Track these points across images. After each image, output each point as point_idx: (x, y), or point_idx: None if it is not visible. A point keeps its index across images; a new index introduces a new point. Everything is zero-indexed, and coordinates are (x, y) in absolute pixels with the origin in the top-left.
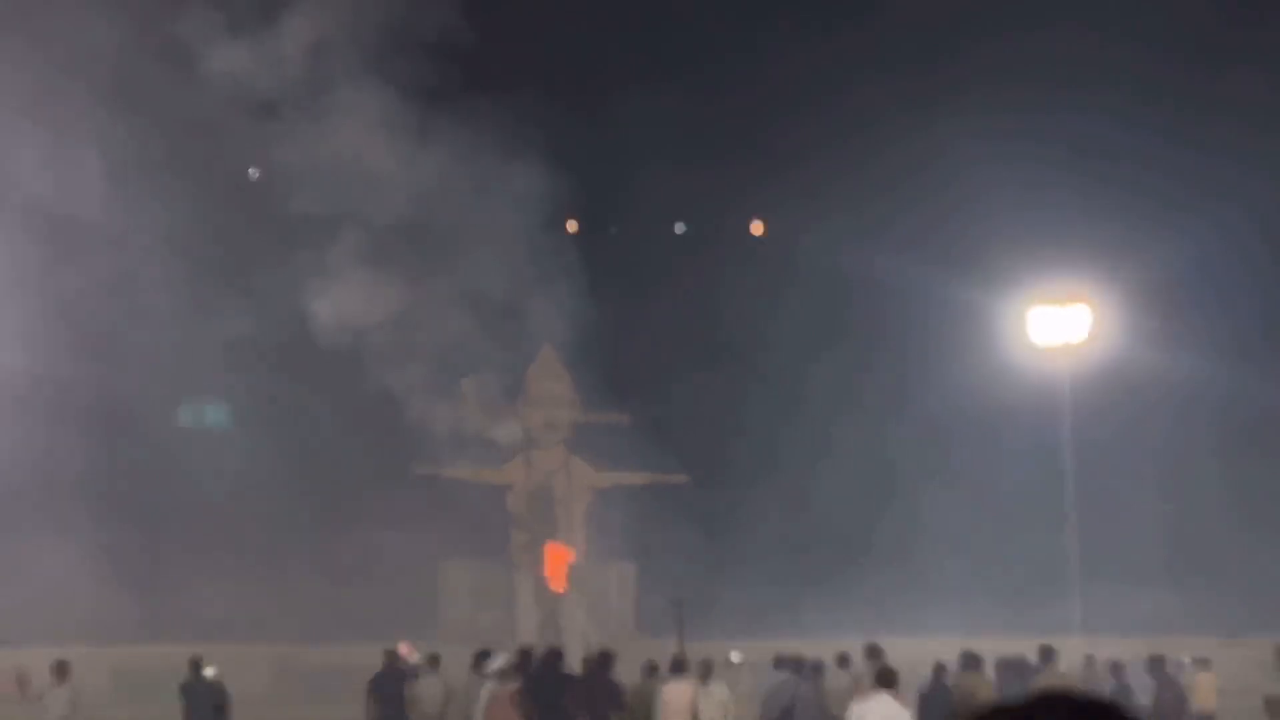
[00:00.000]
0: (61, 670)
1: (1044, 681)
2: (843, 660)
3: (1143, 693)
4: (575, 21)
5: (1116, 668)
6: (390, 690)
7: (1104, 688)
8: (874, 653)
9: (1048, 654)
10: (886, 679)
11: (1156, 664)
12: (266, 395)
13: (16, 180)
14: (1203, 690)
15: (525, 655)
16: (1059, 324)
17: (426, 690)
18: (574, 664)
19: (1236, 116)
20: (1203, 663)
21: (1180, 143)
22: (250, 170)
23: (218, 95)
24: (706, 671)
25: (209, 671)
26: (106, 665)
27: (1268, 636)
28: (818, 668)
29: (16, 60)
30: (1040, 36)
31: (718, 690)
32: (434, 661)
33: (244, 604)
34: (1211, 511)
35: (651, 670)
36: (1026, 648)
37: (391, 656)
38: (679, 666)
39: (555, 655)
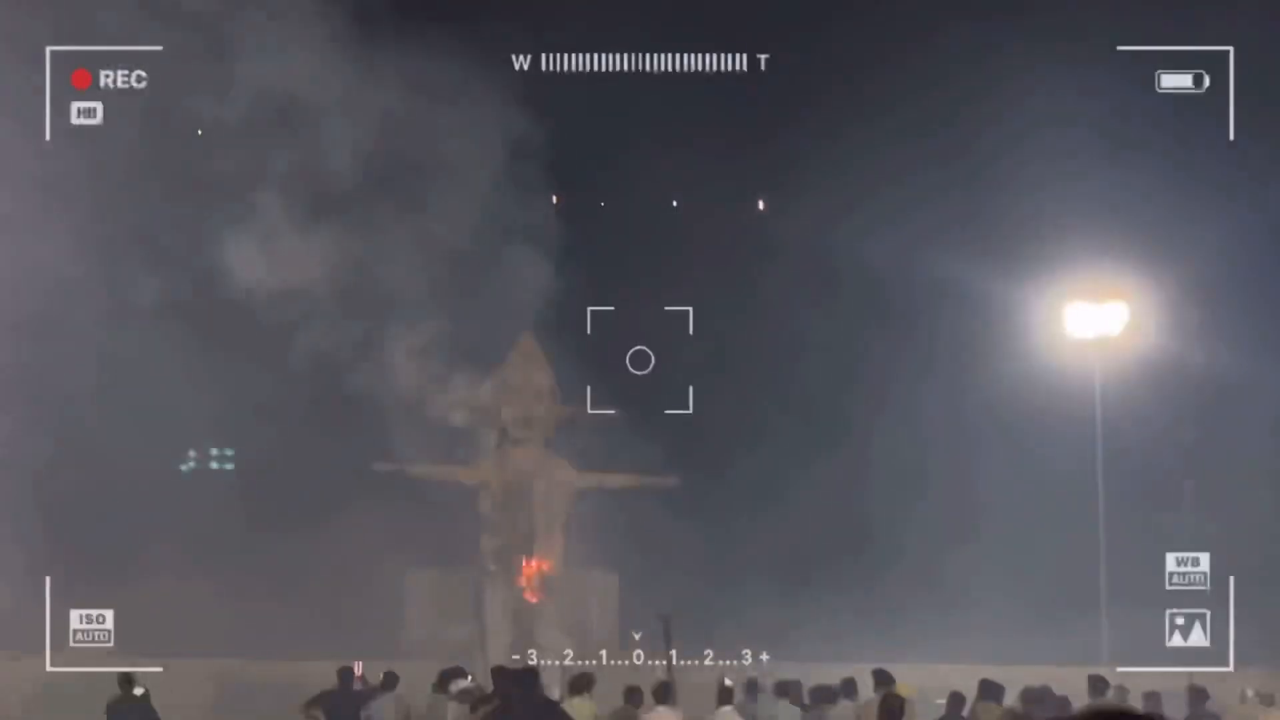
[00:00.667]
0: None
1: None
2: (848, 688)
3: None
4: None
5: (1151, 698)
6: (344, 713)
7: None
8: (882, 679)
9: (1098, 686)
10: (893, 710)
11: (1198, 696)
12: (200, 378)
13: None
14: None
15: (498, 675)
16: (1095, 319)
17: (380, 712)
18: (552, 685)
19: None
20: (1267, 698)
21: (1222, 132)
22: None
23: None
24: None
25: (138, 690)
26: (29, 678)
27: None
28: (824, 695)
29: None
30: (1074, 18)
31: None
32: (390, 680)
33: (181, 615)
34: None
35: (632, 695)
36: (1049, 676)
37: (345, 674)
38: (665, 692)
39: (531, 675)
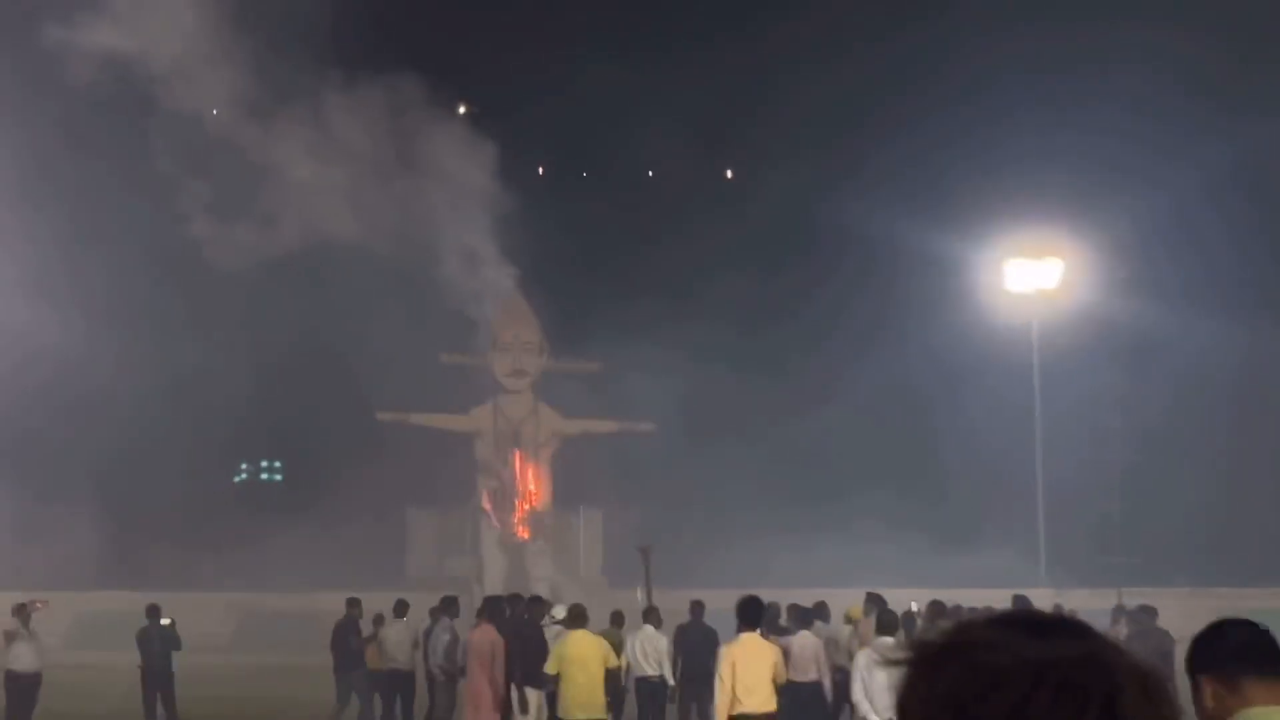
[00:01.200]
0: (23, 612)
1: None
2: (820, 610)
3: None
4: None
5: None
6: (348, 639)
7: None
8: (875, 601)
9: (1021, 604)
10: (888, 625)
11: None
12: (219, 334)
13: None
14: None
15: (491, 603)
16: (1032, 274)
17: (394, 635)
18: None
19: (1210, 68)
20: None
21: (1152, 95)
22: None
23: None
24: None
25: (165, 620)
26: (69, 611)
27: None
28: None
29: None
30: None
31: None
32: (402, 608)
33: (205, 551)
34: (1178, 464)
35: (617, 617)
36: (993, 599)
37: (354, 605)
38: (648, 615)
39: (537, 603)
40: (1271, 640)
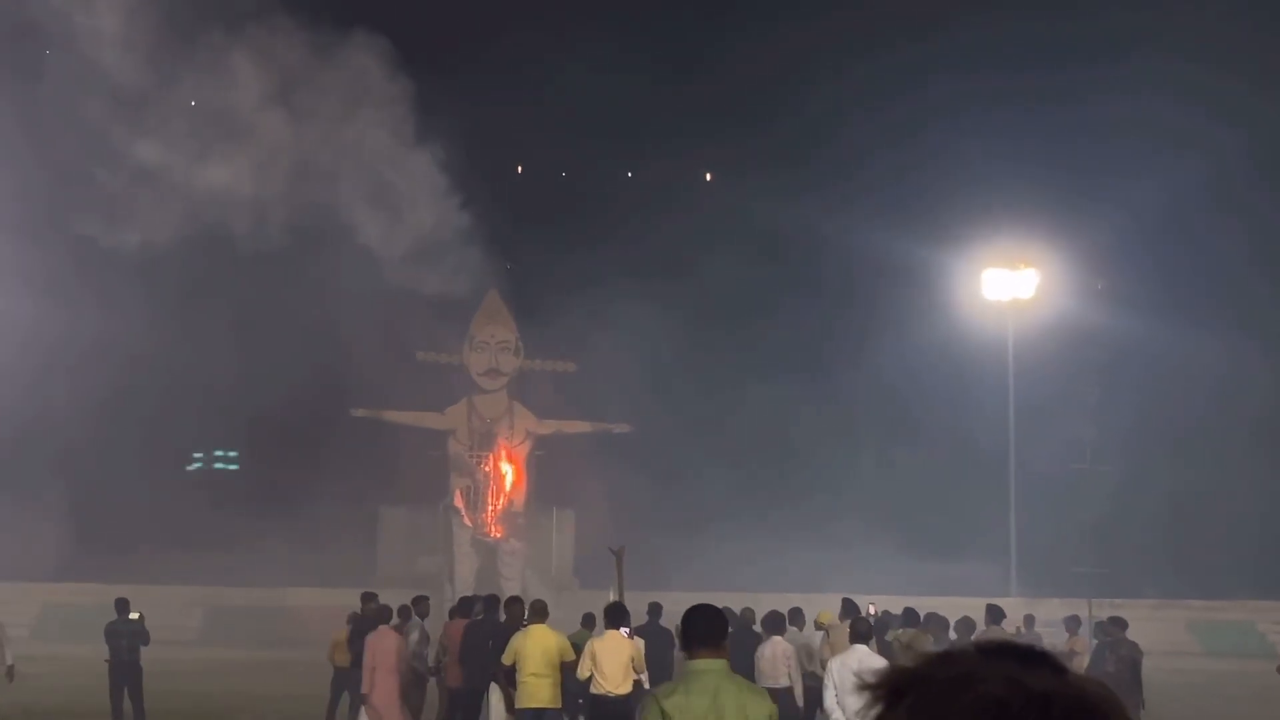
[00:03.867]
0: None
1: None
2: (795, 616)
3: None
4: None
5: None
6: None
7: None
8: (850, 607)
9: (995, 614)
10: (862, 632)
11: (1117, 623)
12: (194, 332)
13: None
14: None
15: (465, 603)
16: (1009, 284)
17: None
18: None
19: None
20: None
21: (1128, 106)
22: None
23: None
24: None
25: (134, 615)
26: (35, 602)
27: (1200, 598)
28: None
29: None
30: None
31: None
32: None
33: (175, 546)
34: (1149, 475)
35: (588, 619)
36: (965, 607)
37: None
38: (622, 616)
39: (493, 602)
40: (715, 622)
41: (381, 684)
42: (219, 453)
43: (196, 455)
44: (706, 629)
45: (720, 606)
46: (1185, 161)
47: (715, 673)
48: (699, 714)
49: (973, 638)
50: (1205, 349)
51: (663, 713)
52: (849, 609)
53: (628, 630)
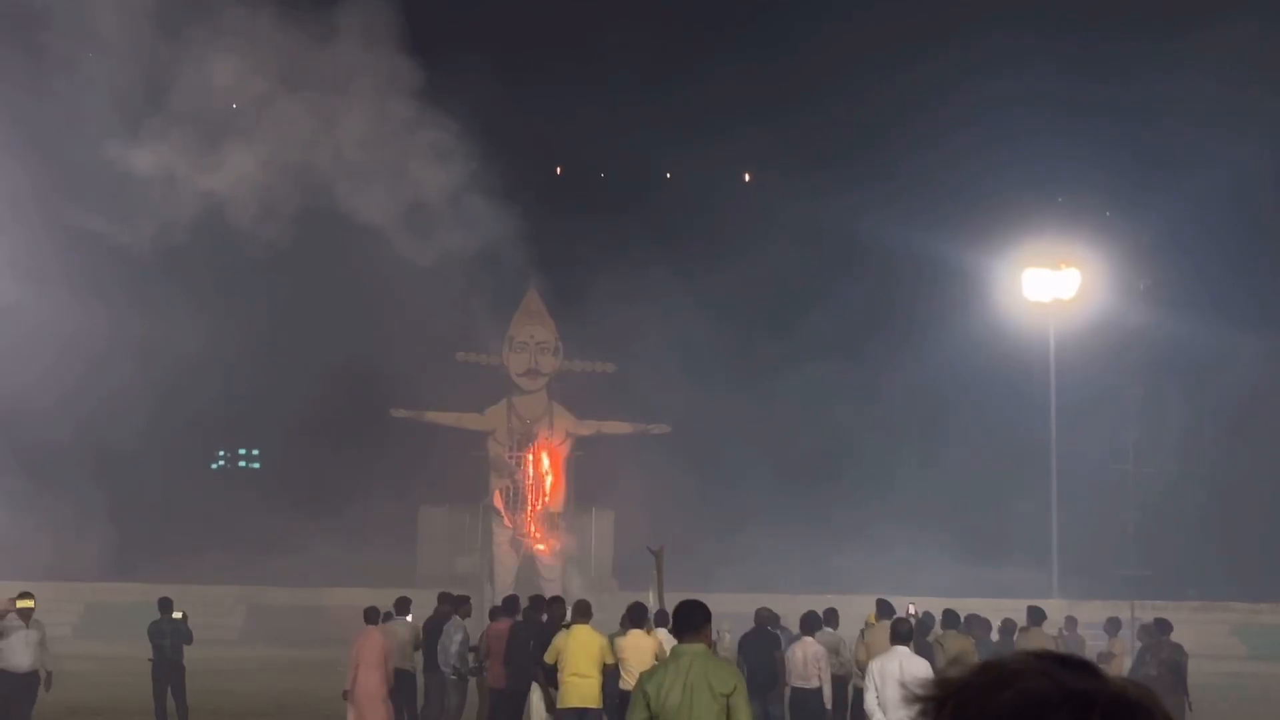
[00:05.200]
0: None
1: (1029, 641)
2: (830, 617)
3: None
4: None
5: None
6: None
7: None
8: (885, 608)
9: (1036, 615)
10: (903, 634)
11: (1162, 626)
12: (237, 334)
13: None
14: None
15: (509, 603)
16: (1051, 284)
17: (398, 634)
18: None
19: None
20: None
21: (1171, 104)
22: None
23: None
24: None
25: (177, 614)
26: (79, 601)
27: (1245, 601)
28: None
29: None
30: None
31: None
32: (404, 606)
33: (217, 545)
34: (1192, 477)
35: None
36: (1006, 609)
37: (446, 600)
38: (661, 617)
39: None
40: (695, 613)
41: (364, 680)
42: (242, 450)
43: (221, 454)
44: (688, 618)
45: (764, 609)
46: (1234, 156)
47: (692, 654)
48: (672, 689)
49: (1014, 639)
50: (1249, 349)
51: (645, 695)
52: (884, 610)
53: (666, 629)
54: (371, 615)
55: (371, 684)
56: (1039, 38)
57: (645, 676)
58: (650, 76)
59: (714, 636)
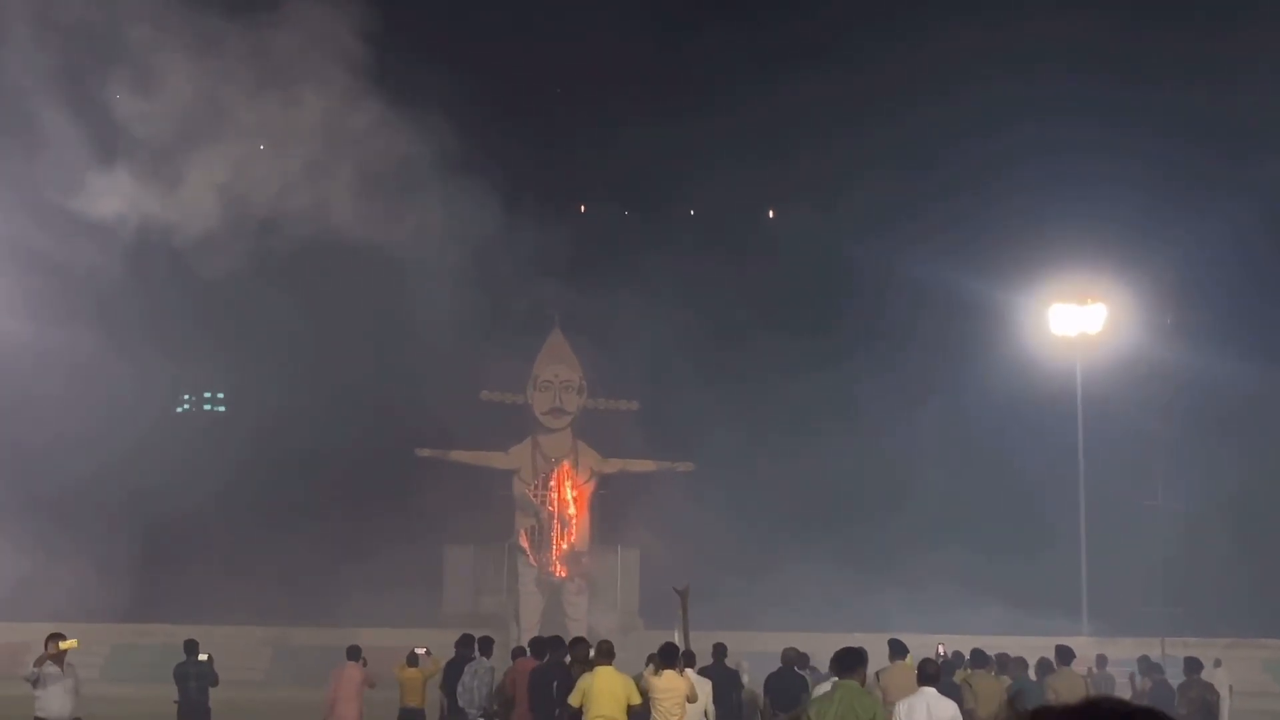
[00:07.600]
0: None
1: (1059, 680)
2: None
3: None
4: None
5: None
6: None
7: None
8: (898, 649)
9: (1065, 654)
10: (930, 674)
11: (1191, 664)
12: (263, 374)
13: None
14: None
15: (536, 644)
16: (1077, 319)
17: (410, 674)
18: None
19: (1252, 114)
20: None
21: (1195, 140)
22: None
23: None
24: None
25: (202, 656)
26: (105, 643)
27: (1277, 638)
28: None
29: None
30: (1058, 32)
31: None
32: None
33: (242, 585)
34: (1221, 513)
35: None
36: (1035, 647)
37: (466, 644)
38: (687, 657)
39: (558, 643)
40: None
41: (342, 713)
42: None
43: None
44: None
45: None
46: (1259, 190)
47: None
48: (828, 714)
49: (1046, 679)
50: (1277, 384)
51: (808, 717)
52: (897, 649)
53: (694, 669)
54: (353, 653)
55: (349, 716)
56: (1077, 82)
57: (811, 703)
58: (673, 112)
59: (734, 667)
